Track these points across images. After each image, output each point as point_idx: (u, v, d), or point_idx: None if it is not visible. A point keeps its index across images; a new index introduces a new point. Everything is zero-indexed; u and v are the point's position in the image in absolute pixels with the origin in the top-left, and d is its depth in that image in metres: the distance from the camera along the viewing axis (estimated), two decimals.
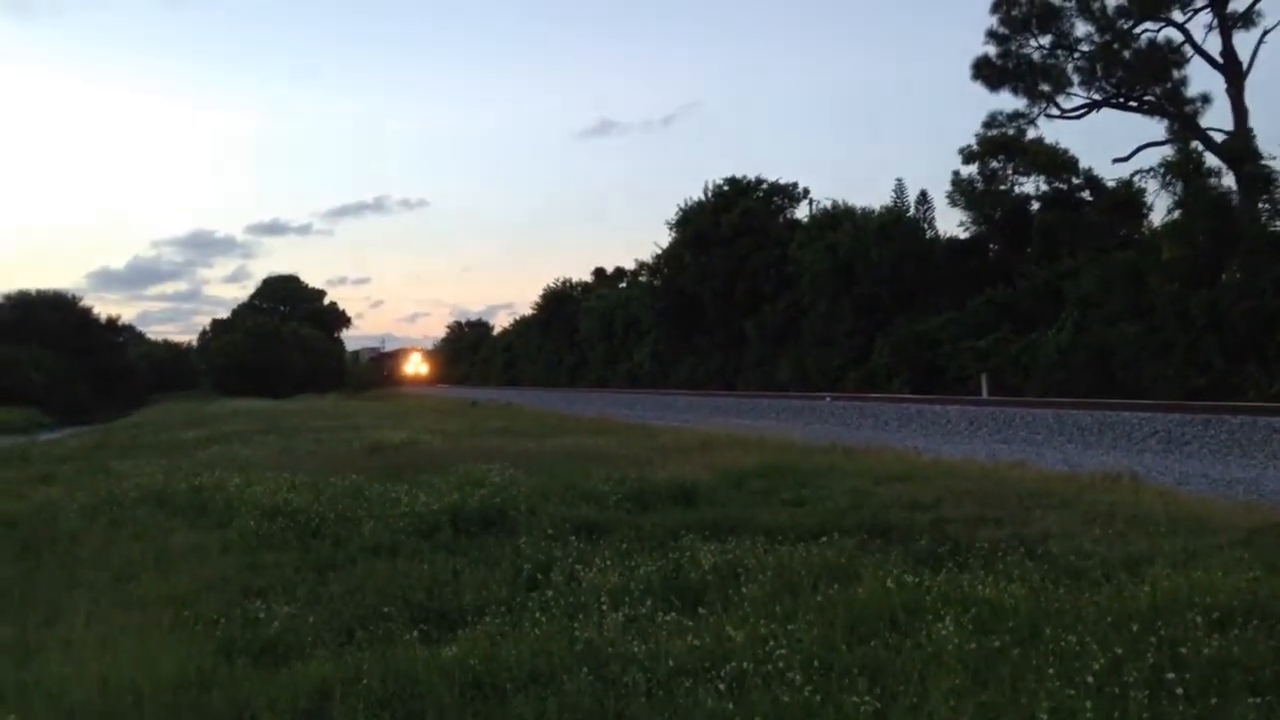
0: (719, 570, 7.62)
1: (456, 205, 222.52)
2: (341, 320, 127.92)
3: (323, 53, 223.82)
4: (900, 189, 45.22)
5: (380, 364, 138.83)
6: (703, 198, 55.23)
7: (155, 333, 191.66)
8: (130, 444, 26.24)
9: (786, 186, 54.70)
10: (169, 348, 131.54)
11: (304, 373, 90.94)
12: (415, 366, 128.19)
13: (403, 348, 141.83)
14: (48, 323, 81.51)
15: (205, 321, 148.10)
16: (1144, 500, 10.29)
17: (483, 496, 11.25)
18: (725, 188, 54.74)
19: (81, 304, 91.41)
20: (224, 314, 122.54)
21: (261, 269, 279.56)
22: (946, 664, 5.22)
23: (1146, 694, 4.73)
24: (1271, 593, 6.17)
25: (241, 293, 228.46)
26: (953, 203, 41.79)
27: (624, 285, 74.85)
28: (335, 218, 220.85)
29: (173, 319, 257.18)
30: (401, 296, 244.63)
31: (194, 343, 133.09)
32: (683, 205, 56.13)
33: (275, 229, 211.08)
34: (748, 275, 49.53)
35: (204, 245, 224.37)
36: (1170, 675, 4.89)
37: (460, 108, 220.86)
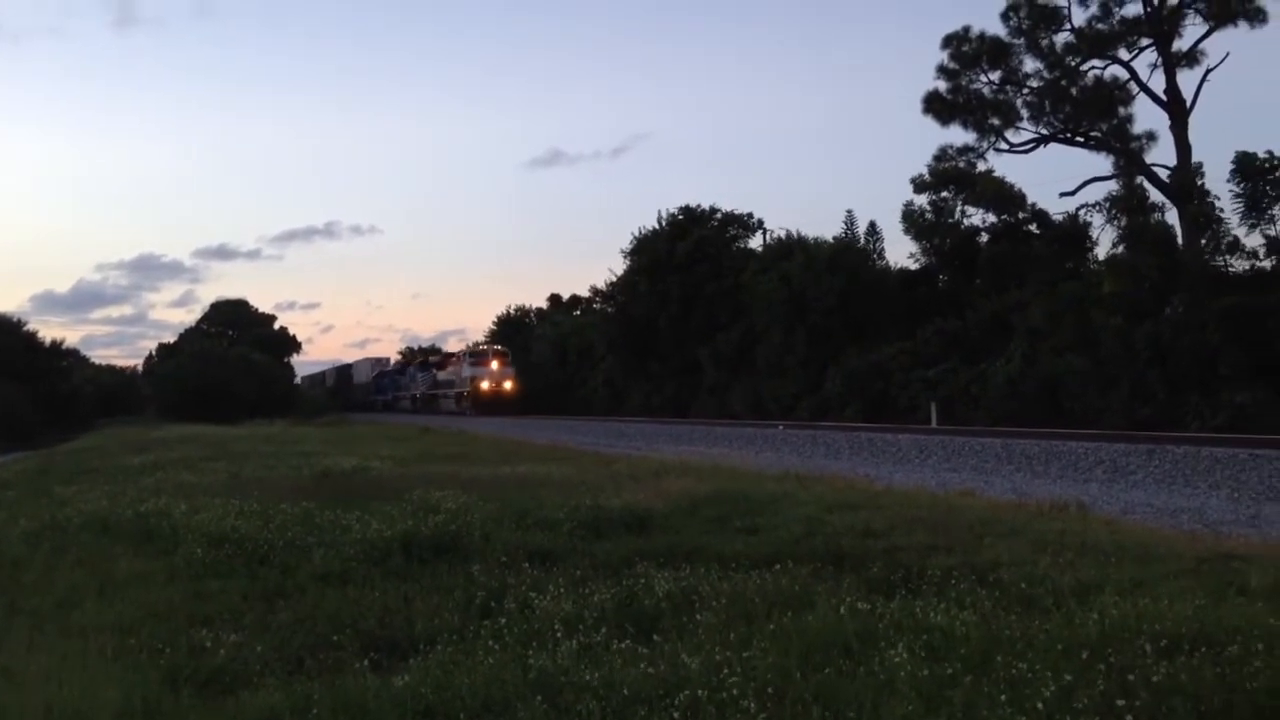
0: (673, 598, 7.58)
1: (407, 232, 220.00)
2: (291, 345, 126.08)
3: (273, 78, 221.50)
4: (851, 220, 45.92)
5: (403, 382, 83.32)
6: (657, 226, 55.46)
7: (100, 357, 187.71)
8: (74, 469, 25.69)
9: (741, 216, 55.09)
10: (114, 372, 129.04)
11: (253, 398, 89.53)
12: (494, 380, 63.19)
13: (471, 346, 74.29)
14: None
15: (151, 346, 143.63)
16: (1091, 529, 10.39)
17: (436, 523, 11.13)
18: (679, 216, 54.94)
19: (25, 327, 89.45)
20: (171, 338, 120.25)
21: (209, 293, 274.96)
22: (899, 691, 5.23)
23: None
24: (1217, 621, 6.26)
25: (189, 317, 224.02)
26: (905, 231, 42.44)
27: (578, 312, 74.78)
28: (285, 243, 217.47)
29: (118, 343, 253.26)
30: (352, 322, 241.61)
31: (140, 367, 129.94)
32: (637, 233, 56.34)
33: (224, 253, 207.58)
34: (702, 303, 49.72)
35: (150, 269, 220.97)
36: (1120, 702, 4.93)
37: (411, 135, 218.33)
